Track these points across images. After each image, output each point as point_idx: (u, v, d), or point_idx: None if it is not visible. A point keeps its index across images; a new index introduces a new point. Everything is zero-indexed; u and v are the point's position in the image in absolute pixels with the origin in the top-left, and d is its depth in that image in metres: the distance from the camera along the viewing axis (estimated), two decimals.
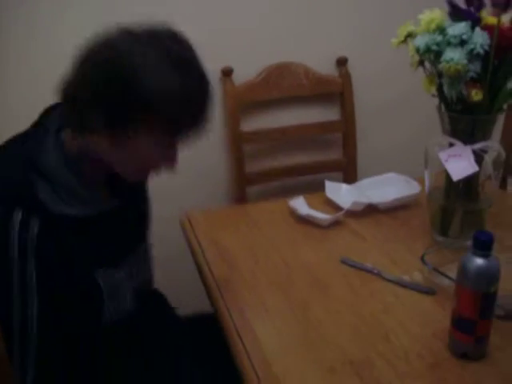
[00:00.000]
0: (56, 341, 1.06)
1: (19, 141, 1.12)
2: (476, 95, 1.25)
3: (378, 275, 1.34)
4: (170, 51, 1.02)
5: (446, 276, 1.21)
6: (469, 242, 1.02)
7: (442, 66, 1.24)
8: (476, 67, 1.25)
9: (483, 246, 0.98)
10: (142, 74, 0.99)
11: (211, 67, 2.11)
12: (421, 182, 1.58)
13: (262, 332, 1.17)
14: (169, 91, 1.01)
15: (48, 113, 1.16)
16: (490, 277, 0.99)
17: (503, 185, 1.98)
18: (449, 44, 1.24)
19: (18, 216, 1.01)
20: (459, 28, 1.23)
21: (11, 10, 1.83)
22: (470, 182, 1.37)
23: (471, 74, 1.25)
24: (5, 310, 1.01)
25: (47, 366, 1.05)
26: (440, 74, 1.30)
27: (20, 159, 1.07)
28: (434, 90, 1.34)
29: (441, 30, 1.27)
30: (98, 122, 1.02)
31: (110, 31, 1.03)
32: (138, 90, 0.99)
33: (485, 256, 0.98)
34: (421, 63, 1.34)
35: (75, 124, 1.06)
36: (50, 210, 1.04)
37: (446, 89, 1.31)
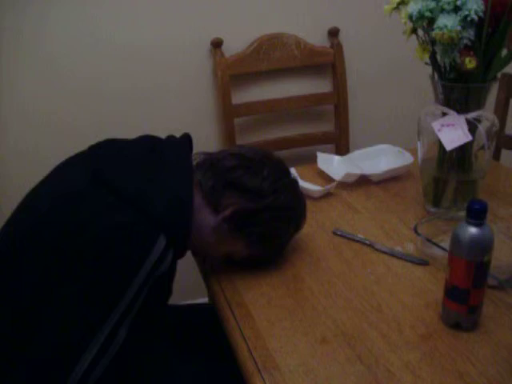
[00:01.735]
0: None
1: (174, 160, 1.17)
2: (470, 63, 1.23)
3: (370, 246, 1.33)
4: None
5: (439, 246, 1.20)
6: (461, 213, 1.01)
7: (435, 33, 1.22)
8: (470, 34, 1.22)
9: (477, 214, 0.96)
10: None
11: (200, 38, 2.11)
12: (414, 153, 1.56)
13: (253, 304, 1.16)
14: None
15: (189, 146, 1.25)
16: (483, 246, 0.98)
17: (496, 156, 1.97)
18: (442, 10, 1.22)
19: (162, 243, 1.03)
20: None
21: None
22: (464, 151, 1.36)
23: (465, 41, 1.23)
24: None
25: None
26: (433, 42, 1.28)
27: (184, 189, 1.12)
28: (427, 58, 1.32)
29: None
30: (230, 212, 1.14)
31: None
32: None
33: (478, 225, 0.97)
34: (414, 31, 1.32)
35: (212, 194, 1.15)
36: (181, 246, 1.10)
37: (439, 57, 1.29)
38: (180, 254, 1.14)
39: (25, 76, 1.94)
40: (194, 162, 1.20)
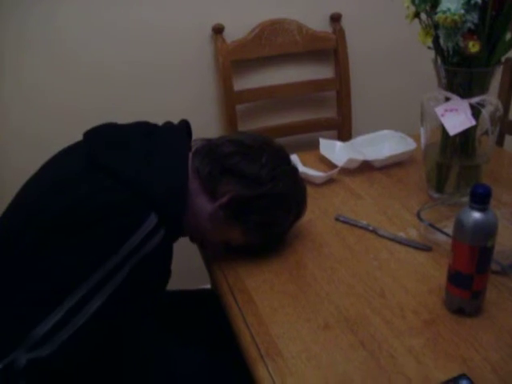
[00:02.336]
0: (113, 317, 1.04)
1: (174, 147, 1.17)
2: (473, 47, 1.22)
3: (373, 232, 1.32)
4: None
5: (442, 232, 1.20)
6: (464, 199, 1.00)
7: (439, 16, 1.20)
8: (473, 18, 1.21)
9: (481, 198, 0.96)
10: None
11: (202, 25, 2.10)
12: (417, 139, 1.55)
13: (256, 290, 1.16)
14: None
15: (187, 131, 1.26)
16: (487, 230, 0.97)
17: (500, 142, 1.96)
18: None
19: (153, 220, 1.02)
20: None
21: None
22: (467, 136, 1.35)
23: (468, 24, 1.21)
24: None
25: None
26: (436, 26, 1.27)
27: (180, 171, 1.13)
28: (430, 42, 1.31)
29: None
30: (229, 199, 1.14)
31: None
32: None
33: (482, 210, 0.96)
34: (416, 15, 1.31)
35: (209, 180, 1.15)
36: (175, 227, 1.09)
37: (442, 41, 1.27)
38: (174, 237, 1.14)
39: (27, 61, 1.93)
40: (193, 148, 1.20)
